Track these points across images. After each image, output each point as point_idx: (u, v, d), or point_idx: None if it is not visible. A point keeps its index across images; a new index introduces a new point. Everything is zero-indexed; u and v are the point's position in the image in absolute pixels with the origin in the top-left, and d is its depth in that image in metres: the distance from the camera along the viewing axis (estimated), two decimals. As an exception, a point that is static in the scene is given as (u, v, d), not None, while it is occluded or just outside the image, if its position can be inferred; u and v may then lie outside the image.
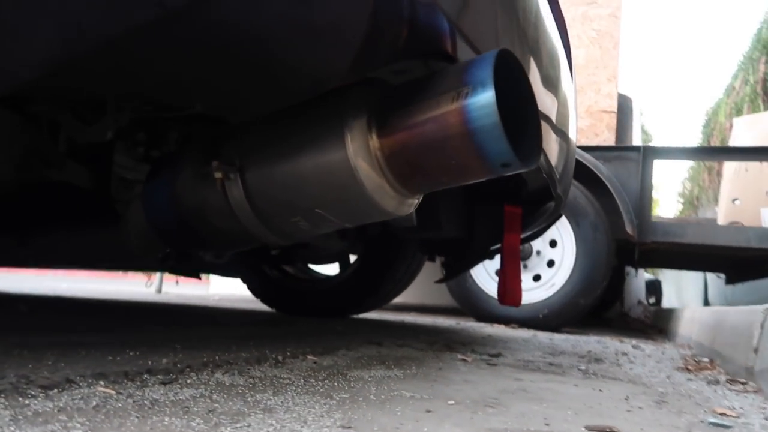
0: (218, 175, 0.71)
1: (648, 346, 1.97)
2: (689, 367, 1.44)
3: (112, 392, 0.75)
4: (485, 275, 2.98)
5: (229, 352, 1.10)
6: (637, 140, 4.50)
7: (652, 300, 7.20)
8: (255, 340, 1.30)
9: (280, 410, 0.71)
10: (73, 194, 1.37)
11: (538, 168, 1.41)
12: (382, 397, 0.81)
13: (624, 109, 4.08)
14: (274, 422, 0.66)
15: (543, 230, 1.97)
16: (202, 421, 0.64)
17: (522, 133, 0.78)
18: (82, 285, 5.03)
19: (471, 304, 2.94)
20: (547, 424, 0.75)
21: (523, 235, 1.88)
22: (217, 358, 0.99)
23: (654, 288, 7.43)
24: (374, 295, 2.31)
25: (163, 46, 0.57)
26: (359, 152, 0.66)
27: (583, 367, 1.31)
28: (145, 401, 0.70)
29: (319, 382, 0.90)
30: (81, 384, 0.76)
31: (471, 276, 2.95)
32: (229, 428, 0.62)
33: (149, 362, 0.90)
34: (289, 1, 0.58)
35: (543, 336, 2.16)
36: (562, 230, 3.00)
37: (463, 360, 1.32)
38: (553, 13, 1.45)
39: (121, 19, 0.51)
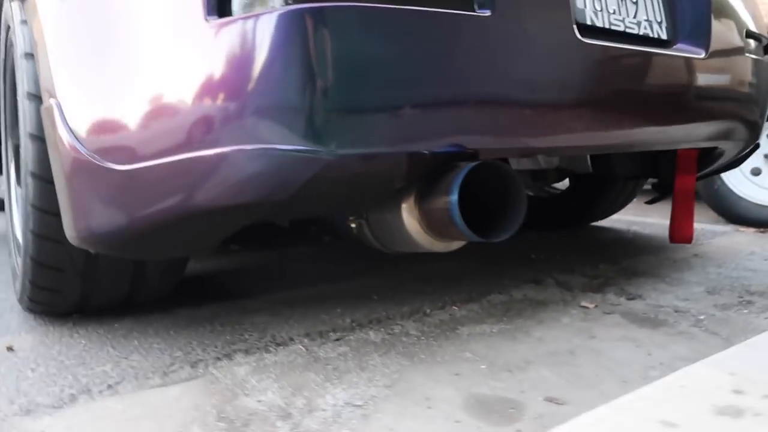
0: (354, 223, 1.23)
1: None
2: None
3: (304, 349, 1.22)
4: (738, 176, 2.77)
5: (399, 303, 1.50)
6: None
7: None
8: (434, 283, 1.68)
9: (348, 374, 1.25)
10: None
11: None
12: (439, 359, 1.13)
13: None
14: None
15: (738, 162, 1.88)
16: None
17: (511, 207, 1.07)
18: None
19: (721, 206, 2.79)
20: (522, 392, 1.00)
21: (704, 172, 1.86)
22: (381, 314, 1.41)
23: None
24: (589, 211, 2.50)
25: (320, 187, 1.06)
26: (407, 214, 1.10)
27: (702, 317, 1.40)
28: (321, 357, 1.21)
29: (420, 344, 1.29)
30: (297, 342, 1.24)
31: (720, 177, 2.78)
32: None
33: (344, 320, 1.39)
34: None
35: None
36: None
37: (584, 307, 1.58)
38: None
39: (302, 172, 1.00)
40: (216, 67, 0.94)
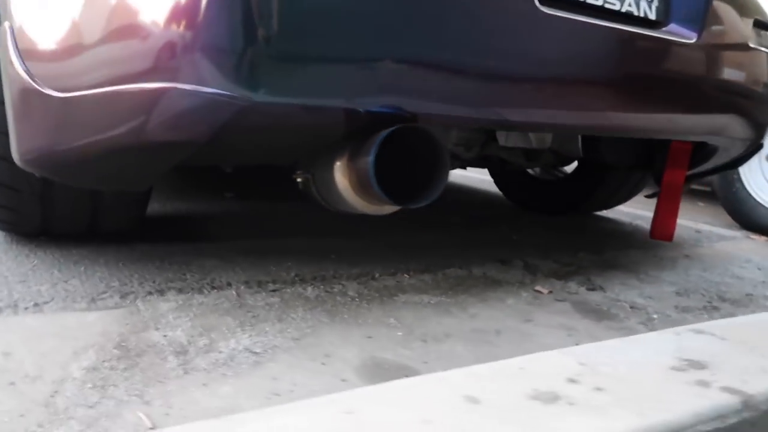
0: (300, 178, 1.23)
1: None
2: None
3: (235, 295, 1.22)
4: (760, 180, 2.60)
5: (353, 265, 1.50)
6: None
7: None
8: (402, 250, 1.68)
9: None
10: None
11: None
12: (361, 321, 1.13)
13: None
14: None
15: (739, 163, 1.75)
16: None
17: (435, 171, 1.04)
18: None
19: (737, 210, 2.63)
20: (425, 362, 0.96)
21: (698, 170, 1.76)
22: (329, 272, 1.41)
23: None
24: (588, 200, 2.40)
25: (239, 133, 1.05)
26: (340, 174, 1.09)
27: (655, 316, 1.34)
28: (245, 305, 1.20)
29: (351, 304, 1.28)
30: (234, 288, 1.25)
31: (740, 180, 2.62)
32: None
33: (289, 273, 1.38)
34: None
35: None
36: None
37: (538, 292, 1.53)
38: None
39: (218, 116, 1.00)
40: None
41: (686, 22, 1.30)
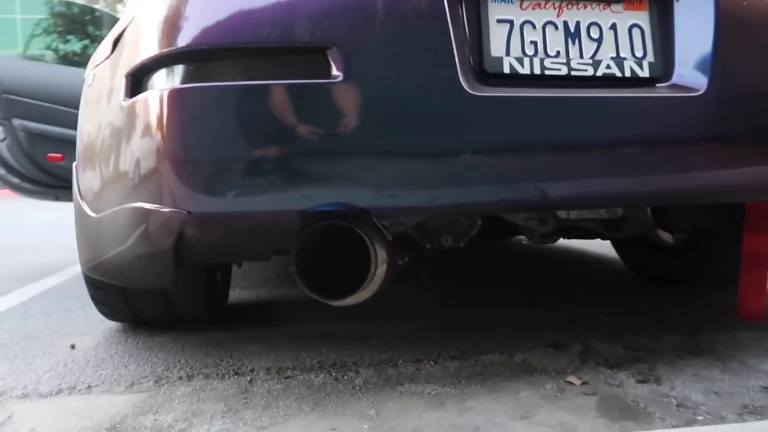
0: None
1: None
2: None
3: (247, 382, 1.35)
4: None
5: (384, 350, 1.51)
6: None
7: None
8: (452, 335, 1.65)
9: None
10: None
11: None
12: (340, 411, 1.20)
13: None
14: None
15: None
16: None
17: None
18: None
19: None
20: None
21: None
22: (354, 358, 1.41)
23: None
24: (703, 270, 2.02)
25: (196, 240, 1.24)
26: None
27: (701, 418, 1.05)
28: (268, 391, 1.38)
29: (345, 394, 1.30)
30: (254, 374, 1.36)
31: None
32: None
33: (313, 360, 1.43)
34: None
35: None
36: None
37: (569, 383, 1.31)
38: None
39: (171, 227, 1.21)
40: (122, 138, 1.16)
41: (690, 74, 1.14)
